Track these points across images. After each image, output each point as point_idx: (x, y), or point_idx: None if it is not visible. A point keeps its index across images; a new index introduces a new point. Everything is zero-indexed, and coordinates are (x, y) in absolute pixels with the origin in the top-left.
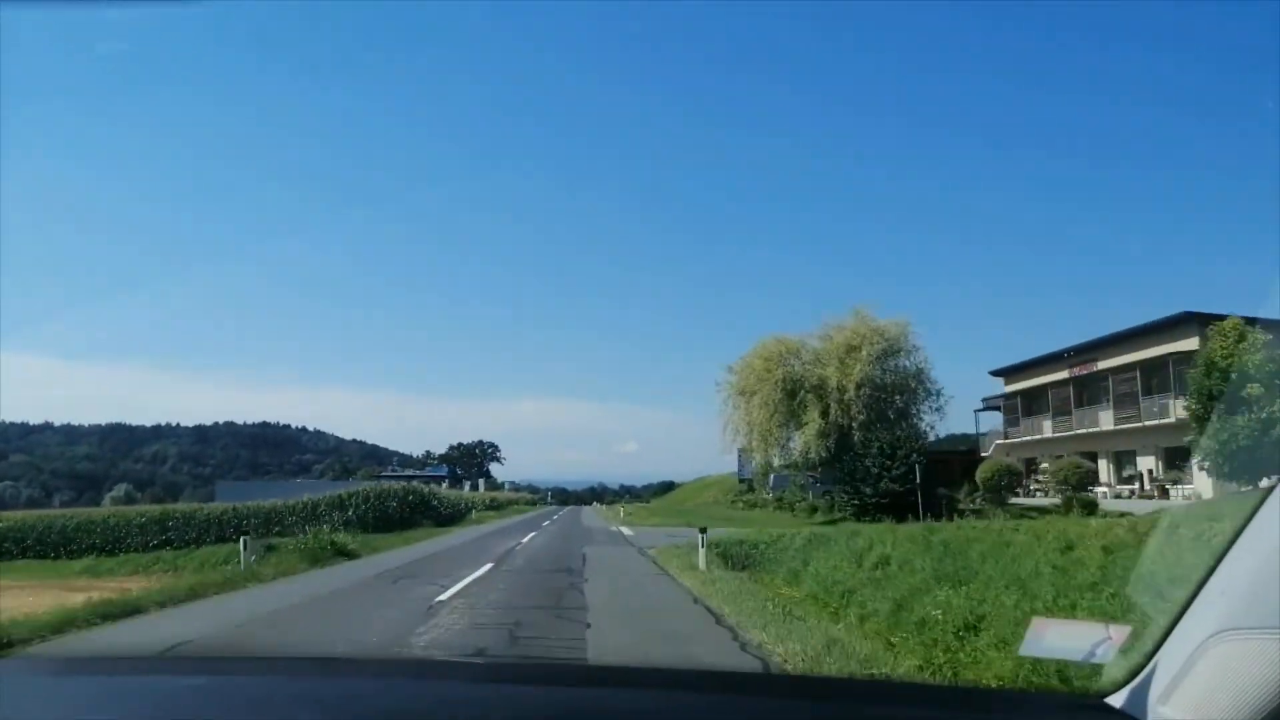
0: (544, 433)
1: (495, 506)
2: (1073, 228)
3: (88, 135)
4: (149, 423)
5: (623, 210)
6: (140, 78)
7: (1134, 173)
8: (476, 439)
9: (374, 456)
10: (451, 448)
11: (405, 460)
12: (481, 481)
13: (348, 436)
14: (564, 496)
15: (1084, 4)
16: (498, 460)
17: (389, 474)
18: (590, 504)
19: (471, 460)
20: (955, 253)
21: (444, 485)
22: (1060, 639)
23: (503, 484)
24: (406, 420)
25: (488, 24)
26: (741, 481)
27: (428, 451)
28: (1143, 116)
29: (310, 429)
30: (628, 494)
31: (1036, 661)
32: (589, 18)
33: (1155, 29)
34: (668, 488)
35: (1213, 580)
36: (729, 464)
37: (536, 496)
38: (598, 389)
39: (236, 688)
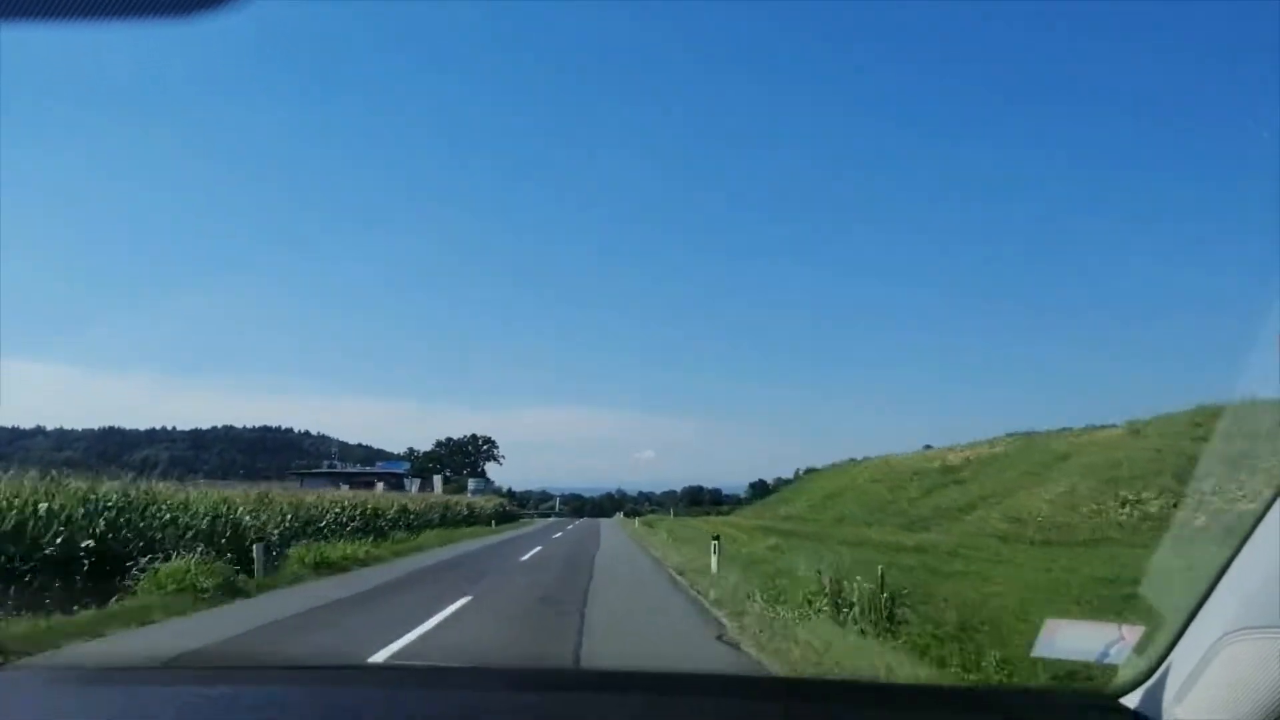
0: (559, 440)
1: (442, 523)
2: None
3: (95, 141)
4: (144, 427)
5: (634, 221)
6: (151, 88)
7: None
8: (470, 434)
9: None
10: (439, 444)
11: (371, 454)
12: (471, 482)
13: (353, 441)
14: (579, 504)
15: None
16: (495, 459)
17: (319, 470)
18: (612, 515)
19: (463, 458)
20: None
21: (413, 486)
22: (1073, 640)
23: (501, 488)
24: (418, 427)
25: (496, 40)
26: None
27: (410, 449)
28: None
29: (314, 433)
30: (648, 501)
31: None
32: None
33: None
34: (762, 491)
35: (1225, 579)
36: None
37: (546, 506)
38: (615, 397)
39: (235, 698)
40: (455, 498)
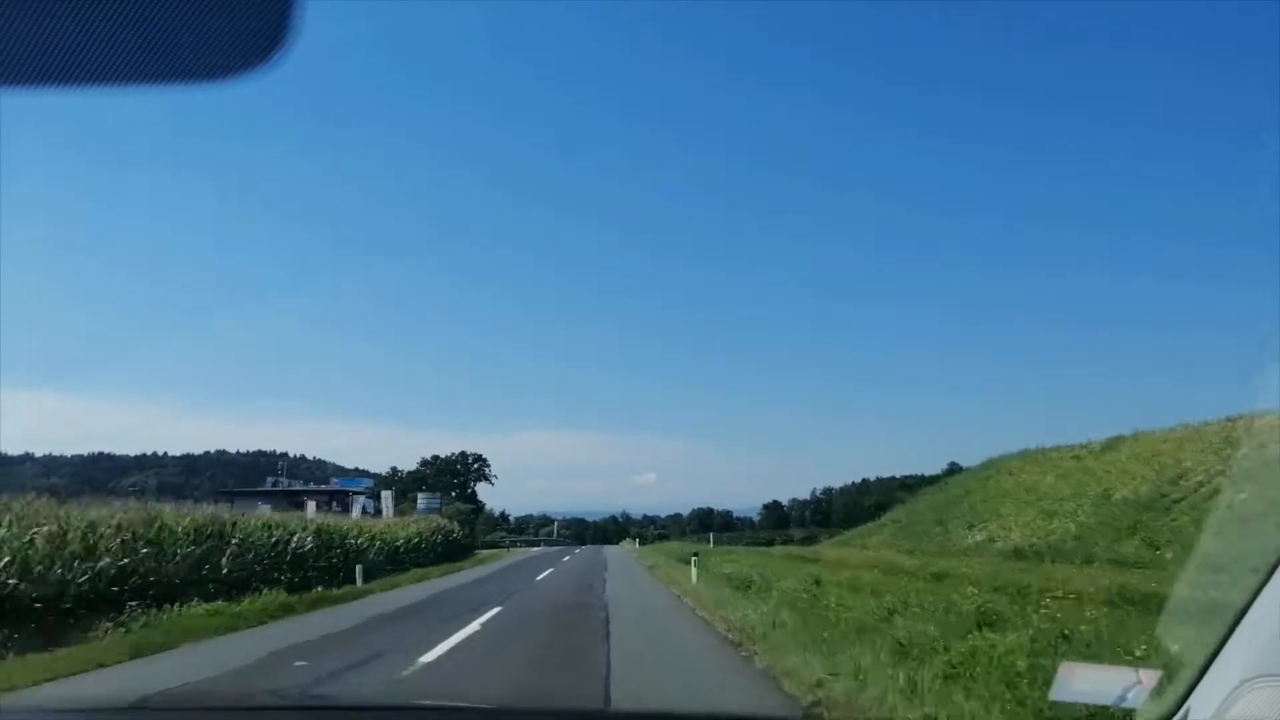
0: (559, 464)
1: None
2: None
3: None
4: (134, 452)
5: (630, 244)
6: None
7: None
8: (459, 451)
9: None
10: (424, 462)
11: (345, 474)
12: (422, 499)
13: (349, 465)
14: (581, 529)
15: None
16: (486, 478)
17: (263, 489)
18: (618, 541)
19: (451, 477)
20: None
21: (359, 509)
22: (1089, 684)
23: (497, 513)
24: (415, 451)
25: (496, 65)
26: None
27: (394, 468)
28: None
29: (310, 458)
30: (652, 524)
31: None
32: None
33: None
34: (816, 510)
35: (1243, 625)
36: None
37: (545, 532)
38: (615, 420)
39: None
40: (401, 527)
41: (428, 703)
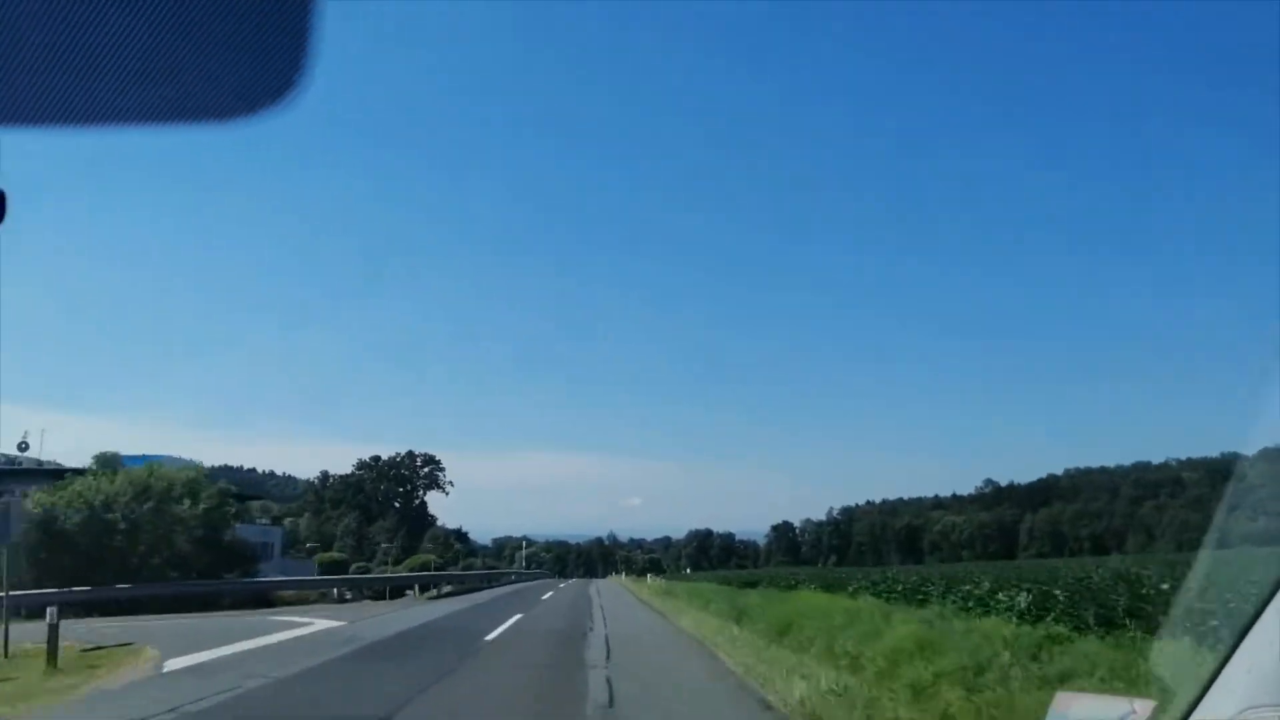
0: (545, 487)
1: None
2: None
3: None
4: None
5: (617, 258)
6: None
7: None
8: (406, 449)
9: None
10: (361, 465)
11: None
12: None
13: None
14: (563, 553)
15: None
16: (439, 486)
17: None
18: (604, 575)
19: (395, 484)
20: None
21: None
22: (1085, 713)
23: (443, 528)
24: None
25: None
26: None
27: (324, 471)
28: None
29: (280, 474)
30: (639, 548)
31: None
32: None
33: None
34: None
35: (1237, 655)
36: None
37: (523, 558)
38: (600, 442)
39: None
40: None
41: None
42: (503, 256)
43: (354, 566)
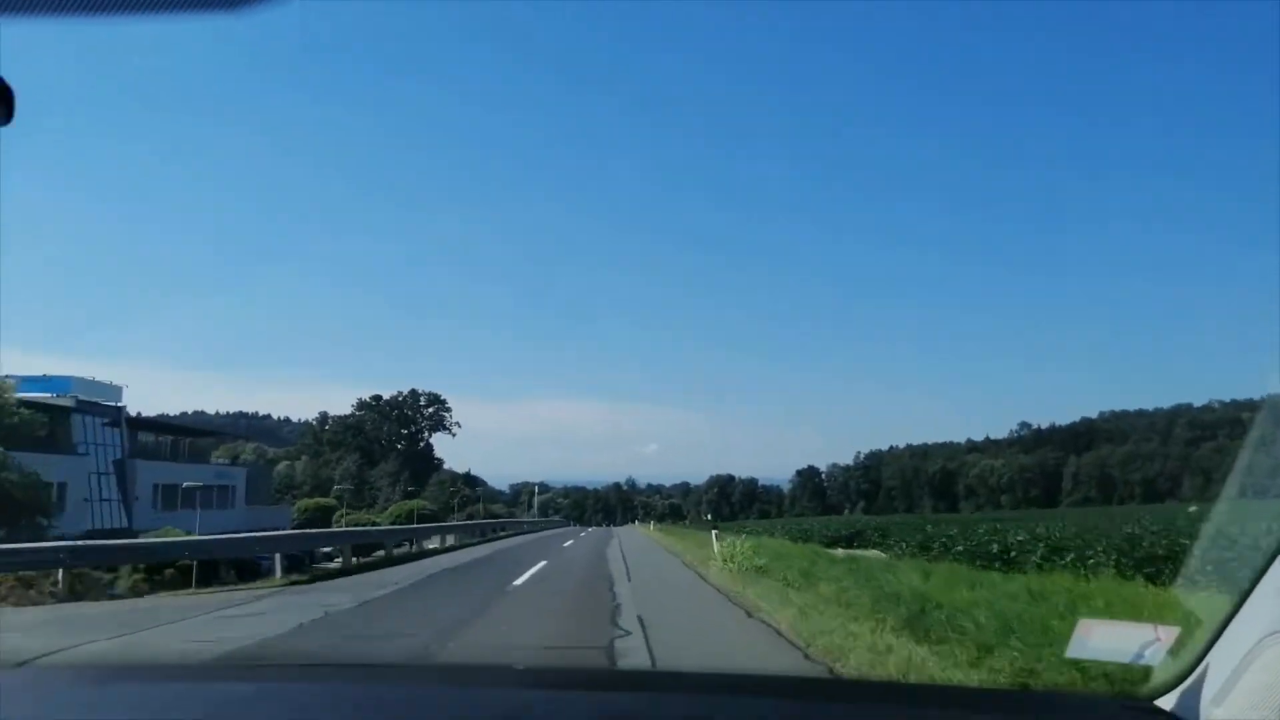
0: (561, 434)
1: None
2: None
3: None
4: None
5: (629, 215)
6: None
7: None
8: (409, 388)
9: None
10: (362, 404)
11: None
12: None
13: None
14: (580, 498)
15: None
16: (445, 428)
17: None
18: (623, 522)
19: (398, 425)
20: None
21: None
22: (1107, 640)
23: (461, 472)
24: None
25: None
26: None
27: (323, 413)
28: None
29: (293, 420)
30: (658, 494)
31: None
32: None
33: None
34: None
35: (1264, 581)
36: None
37: (539, 506)
38: (616, 389)
39: (260, 696)
40: None
41: (462, 663)
42: (510, 189)
43: (338, 516)
